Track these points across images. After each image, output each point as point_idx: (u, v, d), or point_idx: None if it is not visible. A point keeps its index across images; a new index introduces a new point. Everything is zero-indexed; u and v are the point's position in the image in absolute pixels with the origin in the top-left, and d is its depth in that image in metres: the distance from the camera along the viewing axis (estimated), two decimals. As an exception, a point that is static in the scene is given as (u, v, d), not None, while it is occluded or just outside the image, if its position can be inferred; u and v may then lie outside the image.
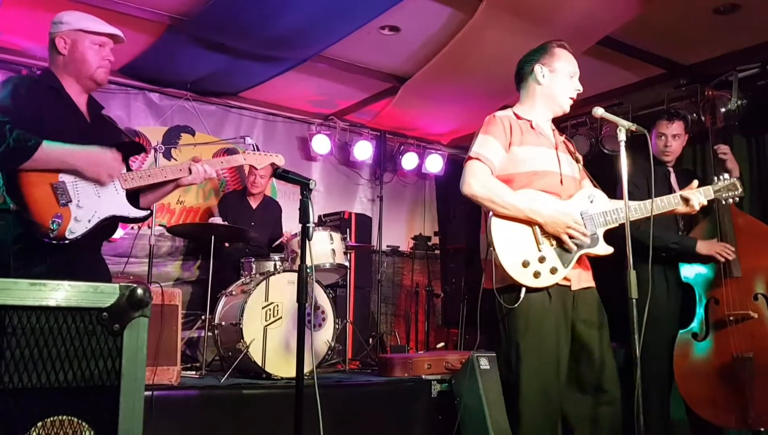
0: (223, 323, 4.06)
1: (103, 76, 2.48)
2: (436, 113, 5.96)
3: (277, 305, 3.97)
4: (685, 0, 3.90)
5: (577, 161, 2.64)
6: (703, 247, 3.47)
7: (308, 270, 2.42)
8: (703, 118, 4.64)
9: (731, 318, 3.37)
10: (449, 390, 4.04)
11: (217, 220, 4.86)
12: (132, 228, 4.96)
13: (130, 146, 2.62)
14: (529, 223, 2.38)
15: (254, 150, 3.45)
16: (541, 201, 2.40)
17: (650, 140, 2.57)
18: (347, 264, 4.58)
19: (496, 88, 4.76)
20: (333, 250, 4.39)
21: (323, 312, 4.16)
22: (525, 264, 2.33)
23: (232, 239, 4.87)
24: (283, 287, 4.00)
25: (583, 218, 2.45)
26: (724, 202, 2.89)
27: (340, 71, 5.15)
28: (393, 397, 3.93)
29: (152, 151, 4.90)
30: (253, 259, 4.42)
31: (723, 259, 3.42)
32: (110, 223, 2.42)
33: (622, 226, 2.39)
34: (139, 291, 1.45)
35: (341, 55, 4.88)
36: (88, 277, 1.95)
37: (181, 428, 3.17)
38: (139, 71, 5.10)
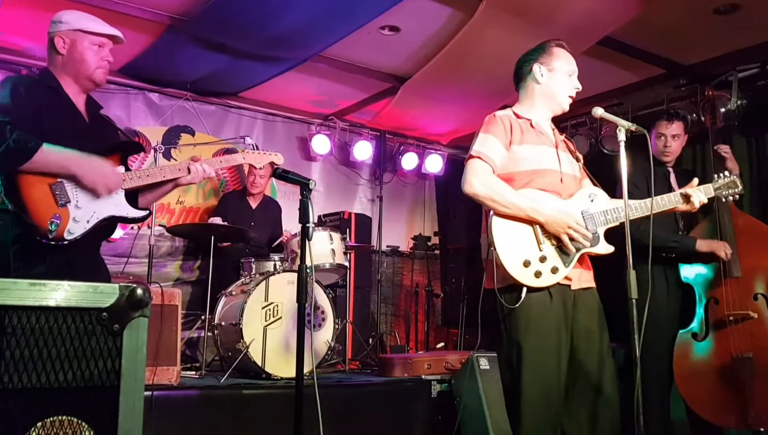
0: (223, 323, 4.06)
1: (102, 77, 2.47)
2: (436, 113, 5.95)
3: (277, 305, 3.97)
4: (685, 0, 3.90)
5: (578, 160, 2.64)
6: (703, 244, 3.47)
7: (308, 270, 2.42)
8: (703, 118, 4.64)
9: (731, 318, 3.37)
10: (449, 390, 4.03)
11: (217, 220, 4.86)
12: (132, 228, 4.96)
13: (128, 146, 2.62)
14: (530, 222, 2.38)
15: (254, 150, 3.45)
16: (542, 200, 2.39)
17: (650, 140, 2.56)
18: (347, 264, 4.58)
19: (496, 88, 4.76)
20: (333, 250, 4.39)
21: (323, 312, 4.16)
22: (526, 263, 2.33)
23: (232, 239, 4.87)
24: (282, 287, 4.00)
25: (583, 217, 2.45)
26: (724, 200, 2.90)
27: (340, 71, 5.15)
28: (393, 397, 3.92)
29: (152, 151, 4.89)
30: (252, 259, 4.42)
31: (724, 254, 3.42)
32: (109, 224, 2.42)
33: (622, 225, 2.39)
34: (139, 291, 1.45)
35: (341, 55, 4.88)
36: (88, 277, 1.94)
37: (181, 428, 3.17)
38: (138, 71, 5.10)
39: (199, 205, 5.70)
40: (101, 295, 1.43)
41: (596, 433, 2.36)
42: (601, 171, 2.69)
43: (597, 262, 2.56)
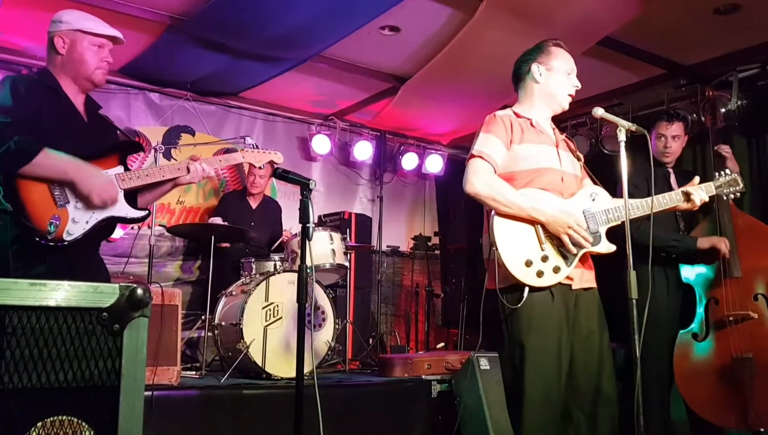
0: (223, 323, 4.06)
1: (101, 78, 2.46)
2: (436, 113, 5.96)
3: (277, 305, 3.97)
4: (685, 0, 3.90)
5: (578, 159, 2.64)
6: (704, 241, 3.47)
7: (308, 270, 2.42)
8: (703, 119, 4.65)
9: (731, 318, 3.37)
10: (449, 390, 4.03)
11: (217, 220, 4.86)
12: (132, 228, 4.96)
13: (127, 145, 2.61)
14: (532, 222, 2.38)
15: (254, 150, 3.44)
16: (543, 200, 2.39)
17: (650, 141, 2.56)
18: (347, 264, 4.58)
19: (496, 88, 4.76)
20: (333, 251, 4.39)
21: (323, 312, 4.16)
22: (528, 263, 2.33)
23: (232, 239, 4.87)
24: (283, 287, 4.00)
25: (585, 216, 2.45)
26: (725, 198, 2.89)
27: (340, 71, 5.15)
28: (393, 397, 3.92)
29: (152, 151, 4.89)
30: (253, 259, 4.42)
31: (724, 246, 3.41)
32: (108, 224, 2.41)
33: (622, 225, 2.39)
34: (139, 291, 1.45)
35: (341, 55, 4.88)
36: (87, 277, 1.94)
37: (181, 428, 3.16)
38: (139, 71, 5.10)
39: (199, 205, 5.71)
40: (101, 295, 1.43)
41: (595, 432, 2.36)
42: (601, 171, 2.69)
43: (597, 263, 2.55)
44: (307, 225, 2.39)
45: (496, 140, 2.44)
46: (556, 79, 2.54)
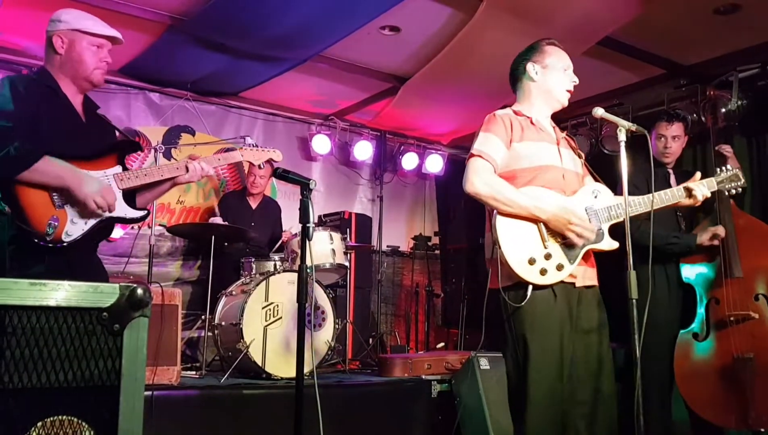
0: (223, 323, 4.06)
1: (100, 78, 2.45)
2: (436, 113, 5.96)
3: (277, 305, 3.97)
4: (685, 0, 3.90)
5: (579, 157, 2.64)
6: (703, 235, 3.46)
7: (308, 270, 2.41)
8: (703, 119, 4.65)
9: (732, 318, 3.36)
10: (449, 390, 4.03)
11: (218, 220, 4.86)
12: (132, 228, 4.96)
13: (126, 145, 2.60)
14: (534, 220, 2.38)
15: (253, 148, 3.44)
16: (544, 198, 2.39)
17: (650, 141, 2.56)
18: (347, 264, 4.58)
19: (496, 88, 4.74)
20: (333, 250, 4.39)
21: (323, 312, 4.16)
22: (531, 261, 2.32)
23: (232, 239, 4.87)
24: (283, 287, 4.00)
25: (587, 213, 2.44)
26: (727, 193, 2.88)
27: (340, 71, 5.15)
28: (393, 397, 3.92)
29: (152, 150, 4.89)
30: (253, 259, 4.42)
31: (722, 231, 3.40)
32: (107, 225, 2.41)
33: (623, 224, 2.38)
34: (139, 291, 1.45)
35: (341, 55, 4.88)
36: (86, 277, 1.94)
37: (181, 428, 3.16)
38: (139, 71, 5.10)
39: (199, 205, 5.71)
40: (101, 295, 1.43)
41: (593, 431, 2.35)
42: (601, 171, 2.68)
43: (597, 262, 2.55)
44: (307, 225, 2.39)
45: (496, 139, 2.44)
46: (552, 76, 2.55)
